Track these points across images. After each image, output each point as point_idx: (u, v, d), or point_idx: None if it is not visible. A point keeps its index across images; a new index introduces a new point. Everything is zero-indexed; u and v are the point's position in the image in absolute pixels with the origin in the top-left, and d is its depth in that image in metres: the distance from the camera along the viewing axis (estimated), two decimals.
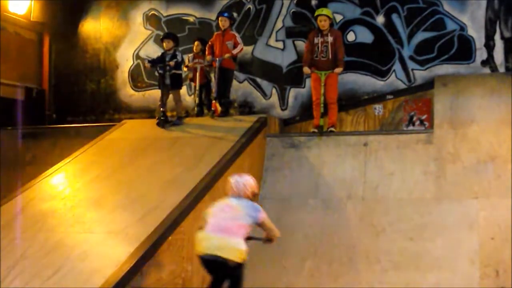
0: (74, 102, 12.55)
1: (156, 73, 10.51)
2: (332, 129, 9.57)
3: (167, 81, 10.11)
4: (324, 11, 9.79)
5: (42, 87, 12.68)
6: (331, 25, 9.92)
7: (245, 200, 6.25)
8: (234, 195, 6.30)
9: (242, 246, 5.97)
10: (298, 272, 7.95)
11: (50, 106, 12.75)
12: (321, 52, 9.64)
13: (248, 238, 6.17)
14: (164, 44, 10.36)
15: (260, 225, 6.26)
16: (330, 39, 9.62)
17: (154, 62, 10.27)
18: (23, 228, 7.37)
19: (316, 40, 9.71)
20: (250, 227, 6.16)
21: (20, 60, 12.22)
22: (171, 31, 11.14)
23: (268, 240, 6.44)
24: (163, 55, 10.27)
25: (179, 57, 10.16)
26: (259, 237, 6.41)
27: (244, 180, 6.40)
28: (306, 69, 9.78)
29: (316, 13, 9.87)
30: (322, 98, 9.55)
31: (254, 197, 6.43)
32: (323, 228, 8.44)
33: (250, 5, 11.37)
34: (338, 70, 9.61)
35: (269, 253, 8.25)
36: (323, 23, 9.66)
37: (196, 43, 10.85)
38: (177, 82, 10.27)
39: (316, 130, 9.60)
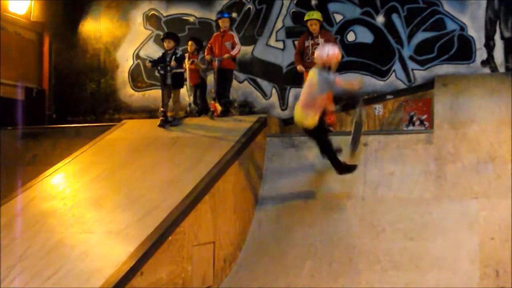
0: (74, 102, 12.56)
1: (157, 74, 10.52)
2: (331, 129, 9.65)
3: (169, 81, 10.10)
4: (314, 15, 10.01)
5: (42, 87, 12.68)
6: (322, 27, 10.12)
7: (322, 72, 7.71)
8: (316, 65, 7.89)
9: (315, 117, 7.81)
10: (298, 272, 7.94)
11: (50, 106, 12.76)
12: (312, 54, 9.77)
13: (354, 140, 8.22)
14: (165, 44, 10.35)
15: (338, 85, 7.76)
16: (320, 41, 9.83)
17: (155, 63, 10.27)
18: (23, 228, 7.36)
19: (306, 43, 9.97)
20: (328, 93, 7.98)
21: (20, 60, 12.22)
22: (171, 31, 11.14)
23: (360, 109, 8.45)
24: (164, 55, 10.27)
25: (178, 53, 10.15)
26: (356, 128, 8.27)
27: (320, 51, 7.80)
28: (300, 67, 9.98)
29: (306, 18, 10.08)
30: None
31: (329, 66, 7.74)
32: (323, 228, 8.43)
33: (250, 5, 11.37)
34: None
35: (269, 253, 8.26)
36: (314, 27, 9.93)
37: (190, 42, 10.80)
38: (178, 81, 10.26)
39: None
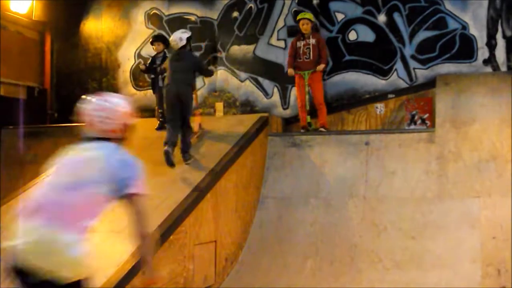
0: (75, 101, 12.43)
1: (149, 78, 10.54)
2: (322, 129, 9.86)
3: (161, 83, 10.08)
4: (306, 15, 10.19)
5: (44, 86, 12.68)
6: (314, 28, 10.28)
7: (108, 146, 3.94)
8: (92, 133, 3.93)
9: (75, 248, 3.54)
10: (299, 271, 7.95)
11: (52, 105, 12.76)
12: (303, 54, 10.07)
13: None
14: (154, 47, 10.31)
15: (128, 199, 3.76)
16: (312, 41, 10.05)
17: (147, 69, 10.27)
18: None
19: (298, 44, 10.14)
20: (108, 200, 3.75)
21: (21, 59, 12.22)
22: (160, 33, 11.14)
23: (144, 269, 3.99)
24: (153, 59, 10.25)
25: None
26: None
27: (110, 104, 4.04)
28: (290, 71, 10.10)
29: (298, 17, 10.24)
30: (307, 97, 9.96)
31: (125, 132, 4.15)
32: (324, 227, 8.44)
33: (251, 4, 11.36)
34: (320, 67, 9.98)
35: (270, 252, 8.26)
36: (305, 27, 10.10)
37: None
38: None
39: (303, 130, 9.96)
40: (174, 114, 8.73)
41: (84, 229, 3.56)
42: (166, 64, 9.52)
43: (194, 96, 9.38)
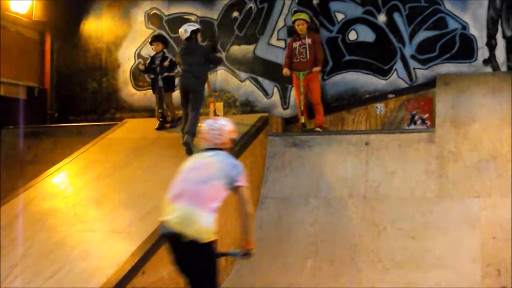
0: (75, 101, 12.56)
1: (148, 78, 10.53)
2: (318, 129, 9.88)
3: (160, 83, 10.07)
4: (301, 15, 10.23)
5: (44, 86, 12.68)
6: (309, 28, 10.30)
7: (221, 154, 5.34)
8: (207, 146, 5.41)
9: (207, 221, 5.05)
10: (299, 271, 7.95)
11: (52, 105, 12.76)
12: (300, 54, 10.12)
13: (222, 255, 5.57)
14: (153, 47, 10.29)
15: (236, 190, 5.26)
16: (308, 41, 10.10)
17: (146, 69, 10.26)
18: (24, 227, 7.38)
19: (294, 45, 10.19)
20: (226, 190, 5.26)
21: (21, 59, 12.22)
22: (159, 33, 11.14)
23: (246, 254, 5.42)
24: (152, 59, 10.24)
25: (172, 57, 10.14)
26: (235, 252, 5.60)
27: (219, 125, 5.43)
28: (285, 71, 10.14)
29: (294, 18, 10.30)
30: (302, 97, 9.99)
31: (232, 144, 5.53)
32: (324, 227, 8.44)
33: (251, 4, 11.36)
34: (316, 69, 9.99)
35: (270, 252, 8.25)
36: (301, 27, 10.16)
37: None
38: (169, 85, 10.22)
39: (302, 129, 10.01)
40: (186, 106, 9.08)
41: (212, 209, 5.14)
42: (166, 62, 9.92)
43: (206, 83, 9.72)
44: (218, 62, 10.32)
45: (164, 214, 5.20)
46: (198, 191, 5.10)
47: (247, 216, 5.27)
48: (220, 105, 11.05)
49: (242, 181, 5.25)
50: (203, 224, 5.05)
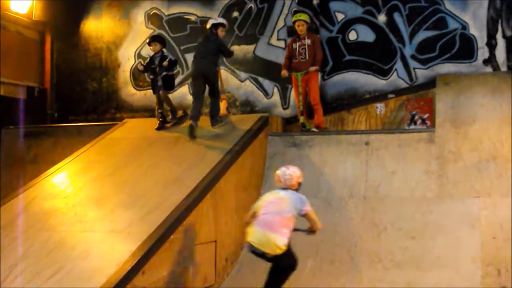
0: (75, 101, 12.58)
1: (148, 78, 10.53)
2: (314, 129, 9.89)
3: (160, 82, 10.07)
4: (301, 16, 10.21)
5: (44, 86, 12.69)
6: (309, 29, 10.33)
7: (291, 192, 6.89)
8: (281, 186, 6.98)
9: (281, 241, 6.58)
10: (299, 271, 7.91)
11: (52, 105, 12.77)
12: (299, 55, 10.12)
13: (294, 230, 6.81)
14: (151, 47, 10.28)
15: (304, 216, 6.84)
16: (308, 41, 10.09)
17: (145, 69, 10.26)
18: (25, 227, 7.37)
19: (294, 45, 10.19)
20: (295, 218, 6.77)
21: (21, 59, 12.23)
22: (157, 34, 11.14)
23: (311, 231, 7.06)
24: (151, 59, 10.22)
25: (171, 57, 10.14)
26: (303, 228, 7.01)
27: (290, 172, 7.02)
28: (284, 72, 10.17)
29: (294, 19, 10.28)
30: (301, 98, 10.01)
31: (299, 186, 7.04)
32: (324, 227, 8.39)
33: (251, 4, 11.36)
34: (312, 68, 9.97)
35: None
36: (301, 28, 10.15)
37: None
38: (168, 84, 10.22)
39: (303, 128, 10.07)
40: (198, 90, 9.76)
41: (285, 233, 6.60)
42: (165, 62, 10.01)
43: (219, 79, 10.16)
44: (229, 54, 10.32)
45: (249, 235, 6.70)
46: (274, 221, 6.62)
47: (316, 230, 7.03)
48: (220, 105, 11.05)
49: (307, 209, 6.80)
50: (278, 244, 6.54)
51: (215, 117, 9.81)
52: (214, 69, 9.83)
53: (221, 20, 10.12)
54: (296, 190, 6.97)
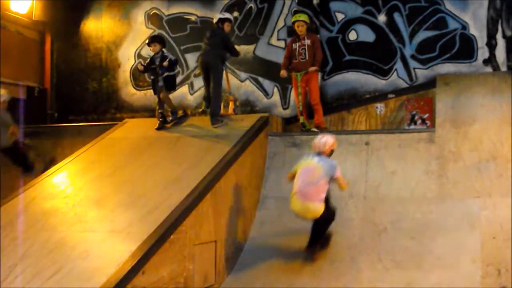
0: (75, 101, 12.58)
1: (148, 78, 10.54)
2: (314, 129, 9.92)
3: (161, 83, 10.06)
4: (301, 17, 10.23)
5: (44, 86, 12.69)
6: (314, 29, 10.46)
7: (324, 159, 7.70)
8: (315, 152, 7.80)
9: (319, 207, 7.55)
10: (299, 271, 7.94)
11: (52, 105, 12.78)
12: (299, 55, 10.14)
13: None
14: (151, 48, 10.25)
15: (335, 180, 7.68)
16: (307, 41, 10.12)
17: (145, 69, 10.24)
18: (25, 227, 7.37)
19: (294, 46, 10.21)
20: (328, 182, 7.63)
21: (21, 59, 12.23)
22: (156, 34, 11.12)
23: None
24: (152, 60, 10.21)
25: (171, 57, 10.13)
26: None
27: (324, 140, 7.81)
28: (283, 72, 10.20)
29: (293, 19, 10.29)
30: (301, 97, 10.04)
31: (331, 152, 7.82)
32: None
33: (252, 4, 11.37)
34: (312, 68, 9.99)
35: (271, 252, 8.26)
36: (300, 28, 10.17)
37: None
38: (170, 84, 10.22)
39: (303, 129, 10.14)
40: (206, 81, 10.09)
41: (321, 198, 7.52)
42: (166, 62, 10.00)
43: (225, 76, 10.38)
44: (233, 50, 10.32)
45: (292, 205, 7.68)
46: (310, 192, 7.52)
47: (345, 186, 7.88)
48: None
49: (338, 175, 7.66)
50: (316, 210, 7.53)
51: (215, 116, 9.85)
52: (217, 62, 9.93)
53: (227, 15, 10.37)
54: (329, 156, 7.76)
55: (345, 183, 7.80)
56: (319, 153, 7.78)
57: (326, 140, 7.83)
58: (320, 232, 7.88)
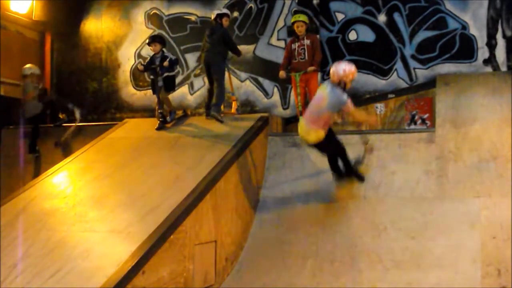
0: (75, 101, 12.55)
1: (148, 78, 10.53)
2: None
3: (160, 83, 10.06)
4: (300, 17, 10.25)
5: (44, 86, 12.67)
6: (314, 29, 10.48)
7: (333, 91, 7.75)
8: (330, 79, 7.88)
9: (319, 132, 7.81)
10: (299, 271, 7.94)
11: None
12: (299, 55, 10.15)
13: (355, 163, 8.29)
14: (151, 48, 10.25)
15: (347, 113, 8.08)
16: (307, 42, 10.13)
17: (146, 68, 10.24)
18: (25, 227, 7.37)
19: (293, 46, 10.22)
20: (333, 114, 7.91)
21: (22, 59, 12.20)
22: (156, 34, 11.11)
23: (368, 150, 8.44)
24: (152, 59, 10.20)
25: (172, 56, 10.12)
26: (359, 158, 8.38)
27: (333, 67, 7.85)
28: (281, 73, 10.22)
29: (293, 20, 10.30)
30: (299, 98, 10.03)
31: (341, 83, 7.76)
32: (324, 227, 8.43)
33: (252, 4, 11.37)
34: (310, 68, 10.00)
35: (270, 252, 8.25)
36: (300, 29, 10.18)
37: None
38: (169, 85, 10.22)
39: None
40: (209, 80, 10.28)
41: (321, 126, 7.74)
42: (166, 62, 10.00)
43: (227, 77, 10.48)
44: (234, 48, 10.37)
45: (299, 129, 8.04)
46: (313, 119, 7.78)
47: (359, 118, 8.39)
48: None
49: (348, 107, 7.72)
50: (315, 135, 7.80)
51: (217, 105, 10.03)
52: (219, 60, 10.09)
53: (225, 10, 10.48)
54: (339, 85, 7.76)
55: (358, 114, 8.09)
56: (332, 82, 7.83)
57: (334, 68, 7.84)
58: (344, 163, 8.25)
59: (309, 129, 7.88)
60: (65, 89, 12.70)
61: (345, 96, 7.70)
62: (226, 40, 10.18)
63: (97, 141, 10.00)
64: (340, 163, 8.30)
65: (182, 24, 11.90)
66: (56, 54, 12.83)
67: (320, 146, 8.02)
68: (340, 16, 10.81)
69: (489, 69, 9.92)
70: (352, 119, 8.07)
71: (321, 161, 9.19)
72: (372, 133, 9.39)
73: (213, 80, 10.13)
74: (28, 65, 11.41)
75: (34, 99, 11.27)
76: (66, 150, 10.83)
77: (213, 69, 10.03)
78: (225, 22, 10.29)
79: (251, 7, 11.37)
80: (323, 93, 7.87)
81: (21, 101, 11.34)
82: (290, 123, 10.79)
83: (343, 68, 7.78)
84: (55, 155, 10.60)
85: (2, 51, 11.47)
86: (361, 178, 8.42)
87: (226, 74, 10.26)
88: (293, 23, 10.22)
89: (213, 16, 10.34)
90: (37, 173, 10.44)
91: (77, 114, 11.60)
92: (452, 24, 10.19)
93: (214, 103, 10.04)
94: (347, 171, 8.31)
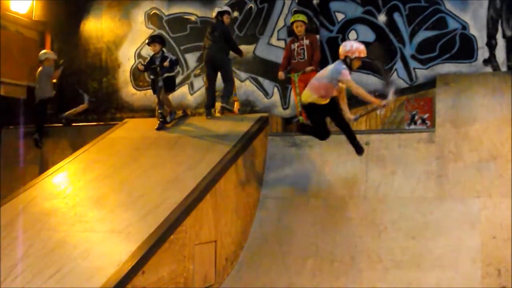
0: (75, 101, 12.55)
1: (148, 78, 10.52)
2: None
3: (160, 83, 10.05)
4: (299, 17, 10.29)
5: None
6: (314, 29, 10.51)
7: (337, 64, 7.95)
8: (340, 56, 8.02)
9: (317, 97, 7.98)
10: (299, 271, 7.94)
11: (52, 105, 12.75)
12: (298, 55, 10.21)
13: (354, 119, 8.43)
14: (151, 48, 10.25)
15: (343, 83, 7.89)
16: (306, 42, 10.20)
17: (146, 68, 10.23)
18: (25, 227, 7.37)
19: (293, 46, 10.27)
20: (332, 84, 7.92)
21: (22, 59, 12.23)
22: (156, 34, 11.09)
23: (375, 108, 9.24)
24: (152, 59, 10.19)
25: (172, 56, 10.12)
26: (357, 116, 8.61)
27: (344, 43, 8.03)
28: (280, 74, 10.29)
29: (292, 20, 10.35)
30: (299, 98, 9.87)
31: (346, 58, 7.84)
32: (324, 227, 8.44)
33: (252, 4, 11.37)
34: (308, 68, 10.03)
35: (270, 252, 8.26)
36: (299, 29, 10.24)
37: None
38: (170, 85, 10.22)
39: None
40: (210, 78, 10.42)
41: (322, 93, 7.94)
42: (166, 62, 10.02)
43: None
44: (234, 47, 10.49)
45: (303, 96, 8.24)
46: (314, 85, 8.01)
47: (356, 90, 7.90)
48: (220, 105, 11.04)
49: (342, 78, 7.78)
50: (312, 98, 7.98)
51: (225, 98, 10.29)
52: (223, 56, 10.29)
53: (225, 8, 10.63)
54: (345, 61, 7.86)
55: (356, 86, 7.86)
56: (344, 61, 7.93)
57: (343, 44, 7.99)
58: (348, 135, 8.35)
59: (310, 93, 8.05)
60: (65, 89, 12.69)
61: (343, 66, 7.83)
62: (227, 38, 10.31)
63: (97, 141, 10.00)
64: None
65: (182, 24, 11.90)
66: (56, 54, 12.82)
67: (315, 108, 8.11)
68: (340, 16, 10.81)
69: (489, 69, 9.91)
70: (355, 92, 7.81)
71: (321, 161, 9.21)
72: (373, 133, 9.39)
73: (213, 78, 10.33)
74: (43, 51, 11.84)
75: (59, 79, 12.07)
76: (69, 125, 11.69)
77: (219, 64, 10.26)
78: (226, 19, 10.41)
79: (251, 7, 11.37)
80: (328, 67, 8.14)
81: (33, 88, 11.76)
82: (290, 123, 10.78)
83: (351, 44, 7.92)
84: (55, 155, 10.59)
85: (2, 51, 11.47)
86: (361, 149, 8.37)
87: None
88: (292, 23, 10.24)
89: (214, 14, 10.43)
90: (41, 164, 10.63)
91: (85, 100, 12.30)
92: (452, 24, 10.19)
93: (222, 95, 10.34)
94: (350, 140, 8.38)
